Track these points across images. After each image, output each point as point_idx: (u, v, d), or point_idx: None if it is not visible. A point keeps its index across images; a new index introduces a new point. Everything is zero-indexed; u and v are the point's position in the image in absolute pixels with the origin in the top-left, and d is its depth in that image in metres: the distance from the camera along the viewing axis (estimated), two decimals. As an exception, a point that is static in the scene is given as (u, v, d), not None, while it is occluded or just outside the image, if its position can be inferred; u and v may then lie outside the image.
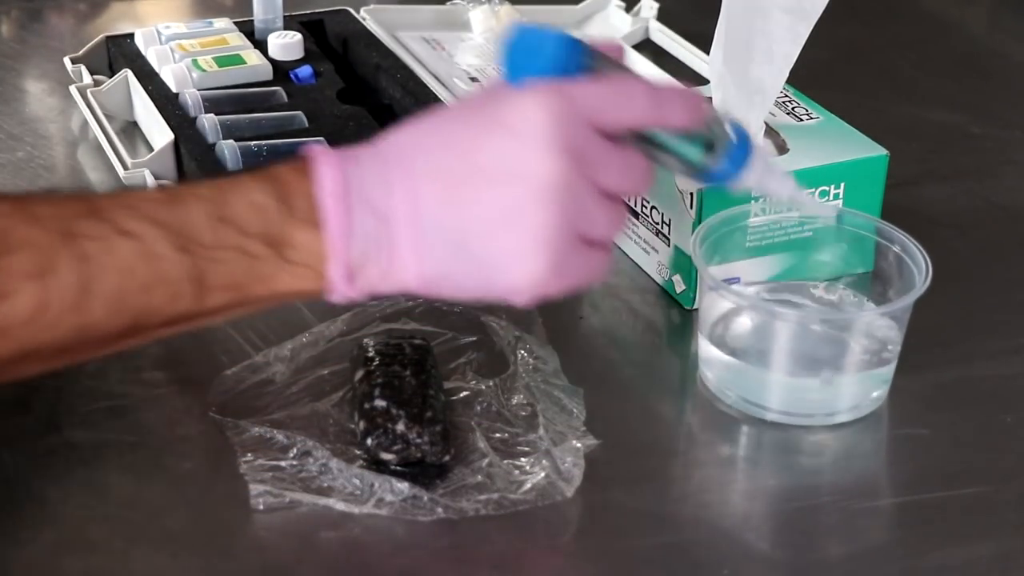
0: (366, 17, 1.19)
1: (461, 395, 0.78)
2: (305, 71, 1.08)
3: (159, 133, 1.00)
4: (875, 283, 0.83)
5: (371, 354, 0.77)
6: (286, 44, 1.10)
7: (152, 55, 1.09)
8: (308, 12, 1.19)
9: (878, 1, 1.41)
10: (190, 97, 1.03)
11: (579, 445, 0.73)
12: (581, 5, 1.25)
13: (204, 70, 1.06)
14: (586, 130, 0.62)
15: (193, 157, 0.96)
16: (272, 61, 1.09)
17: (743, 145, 0.68)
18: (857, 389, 0.79)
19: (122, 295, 0.61)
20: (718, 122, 0.68)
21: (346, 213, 0.63)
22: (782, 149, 0.88)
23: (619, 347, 0.86)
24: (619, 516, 0.71)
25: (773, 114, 0.90)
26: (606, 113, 0.63)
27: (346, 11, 1.20)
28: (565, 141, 0.61)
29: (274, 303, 0.65)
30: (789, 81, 0.87)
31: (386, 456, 0.72)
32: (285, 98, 1.05)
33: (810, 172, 0.87)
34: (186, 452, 0.74)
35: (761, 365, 0.79)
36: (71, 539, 0.69)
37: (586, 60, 0.64)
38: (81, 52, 1.13)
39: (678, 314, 0.88)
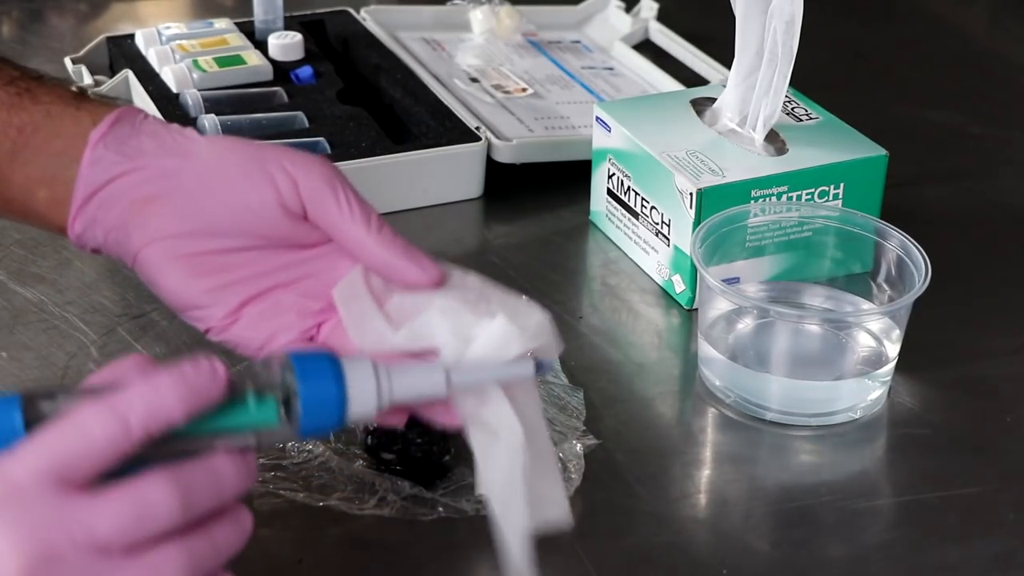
0: (366, 18, 1.19)
1: (461, 395, 0.78)
2: (305, 71, 1.09)
3: (160, 133, 1.00)
4: (874, 283, 0.83)
5: (371, 354, 0.77)
6: (286, 44, 1.10)
7: (153, 55, 1.09)
8: (308, 12, 1.19)
9: (878, 1, 1.41)
10: (191, 97, 1.03)
11: (579, 445, 0.73)
12: (581, 5, 1.26)
13: (204, 70, 1.06)
14: (46, 497, 0.49)
15: (194, 157, 0.96)
16: (272, 61, 1.09)
17: (325, 371, 0.57)
18: (856, 389, 0.79)
19: None
20: (267, 366, 0.56)
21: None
22: (781, 150, 0.88)
23: (619, 347, 0.86)
24: (619, 516, 0.71)
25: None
26: (72, 459, 0.50)
27: (346, 12, 1.20)
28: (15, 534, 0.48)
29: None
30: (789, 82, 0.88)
31: (387, 455, 0.72)
32: (285, 98, 1.06)
33: (810, 172, 0.87)
34: (187, 452, 0.74)
35: (761, 365, 0.80)
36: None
37: (32, 414, 0.52)
38: (82, 52, 1.13)
39: (678, 314, 0.88)
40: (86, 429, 0.50)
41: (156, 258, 0.64)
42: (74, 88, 0.69)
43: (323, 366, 0.57)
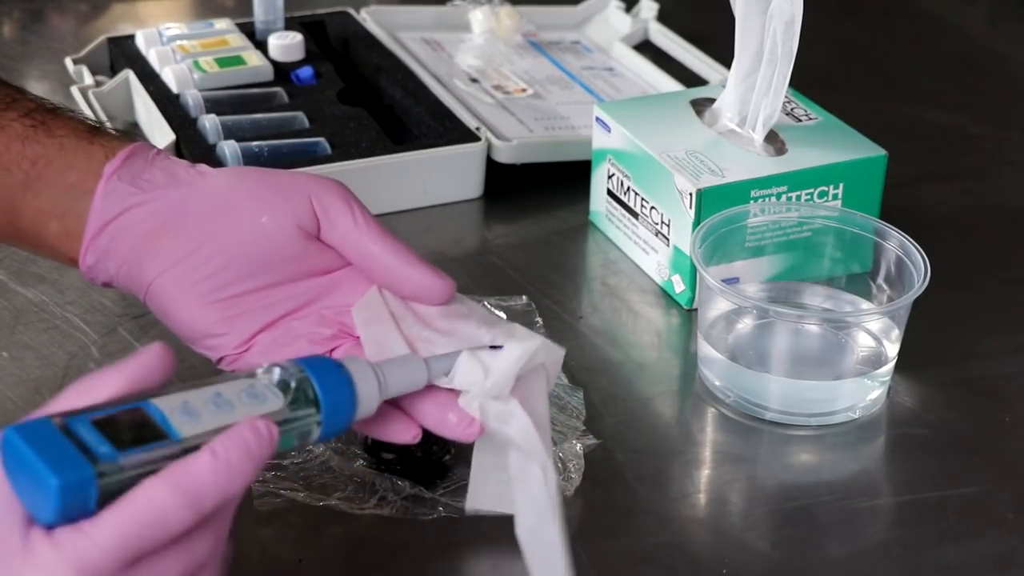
0: (366, 18, 1.19)
1: (461, 395, 0.78)
2: (306, 72, 1.09)
3: (160, 134, 1.00)
4: (874, 283, 0.83)
5: (372, 354, 0.77)
6: (287, 45, 1.10)
7: (153, 56, 1.09)
8: (309, 13, 1.20)
9: (878, 1, 1.41)
10: (191, 98, 1.03)
11: (579, 445, 0.74)
12: (581, 6, 1.26)
13: (205, 71, 1.06)
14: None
15: (194, 157, 0.96)
16: (273, 62, 1.09)
17: (337, 374, 0.58)
18: (856, 389, 0.79)
19: None
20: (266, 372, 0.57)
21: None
22: (781, 150, 0.89)
23: (619, 347, 0.86)
24: (619, 516, 0.71)
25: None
26: (147, 543, 0.50)
27: (346, 12, 1.20)
28: None
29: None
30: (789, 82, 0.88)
31: (387, 456, 0.72)
32: (286, 99, 1.06)
33: (809, 172, 0.87)
34: (187, 452, 0.74)
35: (760, 365, 0.80)
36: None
37: (109, 485, 0.50)
38: (82, 53, 1.13)
39: (678, 314, 0.88)
40: (163, 516, 0.50)
41: (169, 287, 0.64)
42: (89, 121, 0.69)
43: (334, 370, 0.58)
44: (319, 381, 0.57)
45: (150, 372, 0.53)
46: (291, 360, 0.58)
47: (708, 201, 0.84)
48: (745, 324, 0.82)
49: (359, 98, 1.07)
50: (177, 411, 0.52)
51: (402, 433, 0.64)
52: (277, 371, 0.57)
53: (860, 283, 0.84)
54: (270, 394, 0.56)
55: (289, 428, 0.56)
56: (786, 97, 0.92)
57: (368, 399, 0.59)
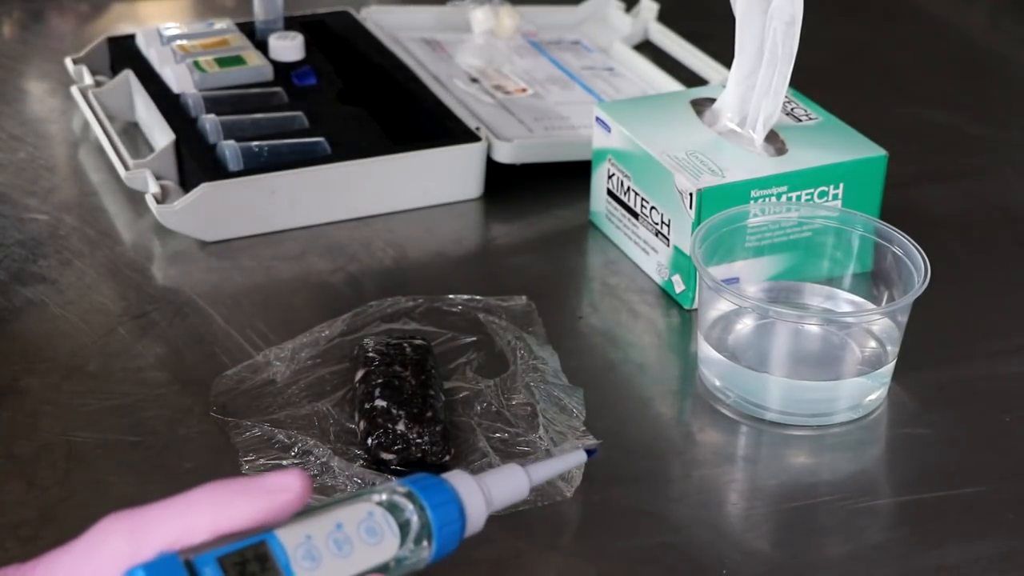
0: (366, 18, 1.19)
1: (461, 395, 0.78)
2: (306, 72, 1.09)
3: (160, 133, 1.00)
4: (874, 283, 0.83)
5: (371, 354, 0.77)
6: (287, 45, 1.10)
7: (153, 56, 1.09)
8: (309, 13, 1.20)
9: (878, 2, 1.41)
10: (191, 98, 1.03)
11: (579, 445, 0.74)
12: (581, 6, 1.26)
13: (205, 71, 1.06)
14: None
15: (194, 157, 0.96)
16: (273, 62, 1.09)
17: (439, 489, 0.56)
18: (856, 389, 0.79)
19: None
20: (386, 490, 0.55)
21: None
22: (781, 150, 0.89)
23: (619, 347, 0.86)
24: (619, 516, 0.71)
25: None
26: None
27: (347, 12, 1.20)
28: None
29: None
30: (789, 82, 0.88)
31: (387, 456, 0.72)
32: (286, 99, 1.06)
33: (809, 172, 0.87)
34: (187, 452, 0.75)
35: (760, 365, 0.80)
36: (72, 539, 0.69)
37: None
38: (82, 53, 1.13)
39: (678, 314, 0.88)
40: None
41: None
42: None
43: (445, 494, 0.56)
44: (432, 508, 0.55)
45: (285, 505, 0.52)
46: (402, 483, 0.56)
47: (708, 201, 0.84)
48: (745, 324, 0.82)
49: (359, 98, 1.07)
50: (300, 553, 0.51)
51: None
52: (389, 496, 0.55)
53: (860, 283, 0.84)
54: (387, 531, 0.54)
55: (401, 561, 0.55)
56: (786, 97, 0.92)
57: (476, 519, 0.57)
